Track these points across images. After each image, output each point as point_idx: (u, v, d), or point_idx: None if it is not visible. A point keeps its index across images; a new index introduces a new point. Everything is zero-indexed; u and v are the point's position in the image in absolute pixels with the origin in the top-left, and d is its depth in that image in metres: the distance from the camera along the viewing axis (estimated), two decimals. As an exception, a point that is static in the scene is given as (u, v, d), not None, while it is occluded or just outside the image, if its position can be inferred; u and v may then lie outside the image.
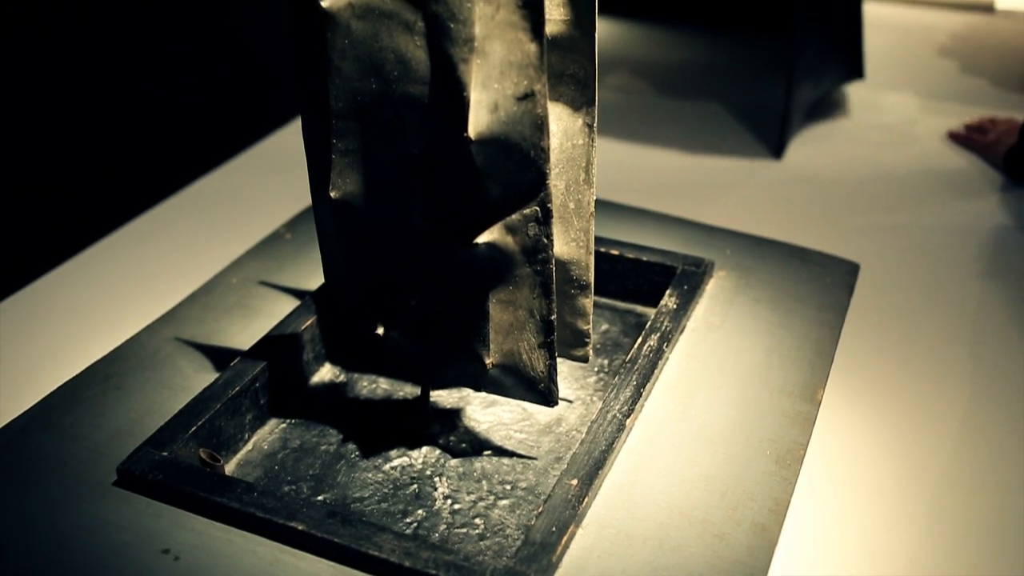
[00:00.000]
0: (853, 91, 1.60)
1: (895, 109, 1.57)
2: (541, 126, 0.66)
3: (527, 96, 0.65)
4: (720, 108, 1.57)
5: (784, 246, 1.04)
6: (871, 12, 1.79)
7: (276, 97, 1.52)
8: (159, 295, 1.01)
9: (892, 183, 1.34)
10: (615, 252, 0.97)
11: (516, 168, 0.67)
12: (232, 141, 1.39)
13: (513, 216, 0.69)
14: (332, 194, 0.72)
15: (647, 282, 0.96)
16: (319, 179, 0.74)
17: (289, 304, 0.93)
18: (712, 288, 0.96)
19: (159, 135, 1.33)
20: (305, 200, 1.15)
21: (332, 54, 0.68)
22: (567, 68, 0.72)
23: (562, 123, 0.74)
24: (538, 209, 0.69)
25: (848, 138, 1.47)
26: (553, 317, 0.72)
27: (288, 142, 1.40)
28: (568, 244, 0.77)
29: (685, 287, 0.92)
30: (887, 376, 0.94)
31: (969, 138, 1.44)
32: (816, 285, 0.97)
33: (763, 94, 1.62)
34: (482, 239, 0.70)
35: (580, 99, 0.73)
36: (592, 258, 0.78)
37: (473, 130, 0.65)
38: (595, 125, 0.74)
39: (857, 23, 1.48)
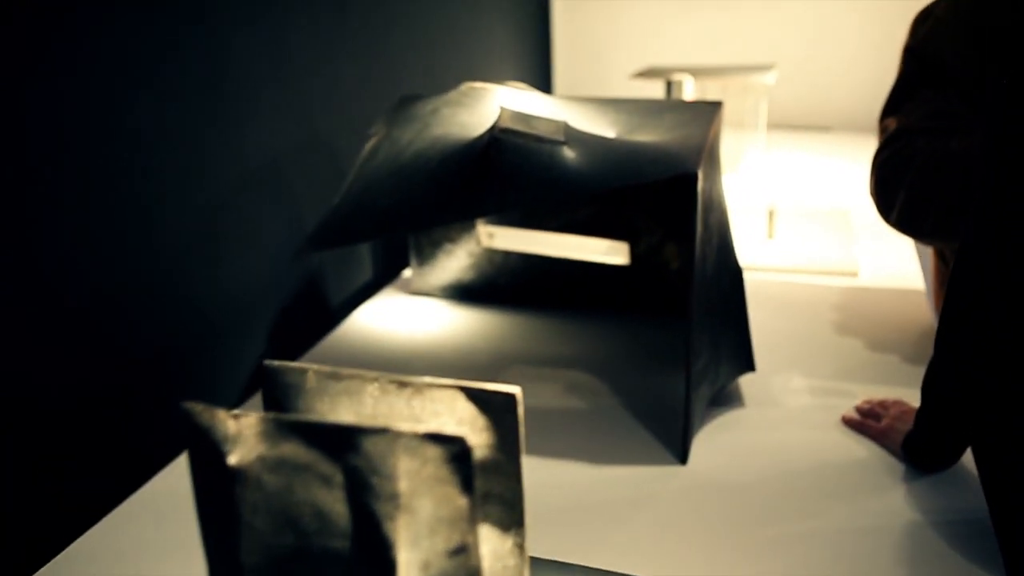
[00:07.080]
0: (743, 379, 1.62)
1: (785, 395, 1.59)
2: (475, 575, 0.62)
3: (459, 551, 0.61)
4: (615, 405, 1.56)
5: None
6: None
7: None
8: None
9: (797, 481, 1.33)
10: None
11: (451, 620, 0.62)
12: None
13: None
14: (246, 653, 0.65)
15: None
16: (229, 633, 0.67)
17: None
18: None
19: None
20: None
21: (242, 508, 0.63)
22: (492, 488, 0.69)
23: (491, 544, 0.70)
24: (476, 658, 0.64)
25: (746, 432, 1.47)
26: None
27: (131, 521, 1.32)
28: (504, 666, 0.71)
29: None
30: None
31: (863, 424, 1.46)
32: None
33: (654, 384, 1.62)
34: None
35: (508, 520, 0.69)
36: (530, 677, 0.73)
37: (403, 592, 0.60)
38: (524, 544, 0.70)
39: (744, 318, 1.51)
